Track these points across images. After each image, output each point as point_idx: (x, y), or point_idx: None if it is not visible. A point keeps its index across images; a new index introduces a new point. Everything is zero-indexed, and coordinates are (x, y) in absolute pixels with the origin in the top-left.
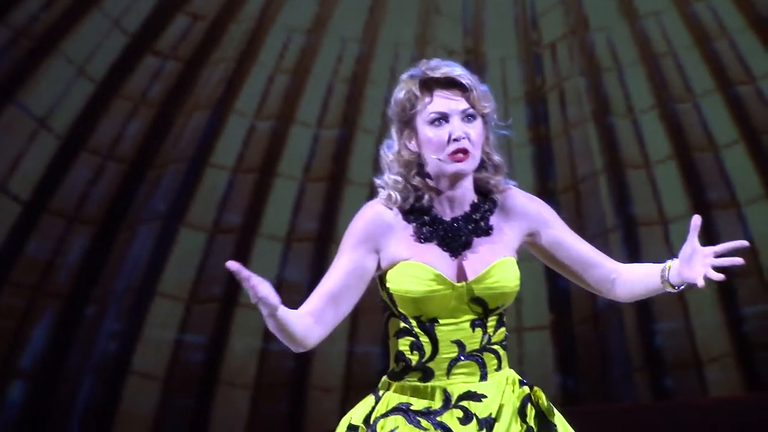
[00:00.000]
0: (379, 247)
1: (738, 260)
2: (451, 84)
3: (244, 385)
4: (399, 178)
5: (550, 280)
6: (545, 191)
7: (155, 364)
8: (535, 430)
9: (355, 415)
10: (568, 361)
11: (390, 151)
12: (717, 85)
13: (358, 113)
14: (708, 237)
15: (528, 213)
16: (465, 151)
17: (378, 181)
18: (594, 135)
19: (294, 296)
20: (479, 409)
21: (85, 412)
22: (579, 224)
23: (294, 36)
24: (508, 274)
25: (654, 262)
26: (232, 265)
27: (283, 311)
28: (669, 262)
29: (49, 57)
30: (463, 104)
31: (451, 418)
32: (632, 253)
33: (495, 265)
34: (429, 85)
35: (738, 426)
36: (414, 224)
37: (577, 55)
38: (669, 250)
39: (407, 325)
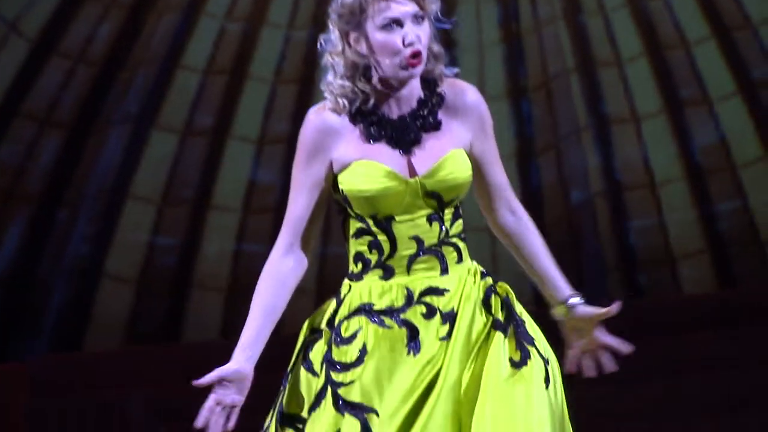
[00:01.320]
0: (330, 154)
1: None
2: None
3: (218, 288)
4: (346, 83)
5: (523, 179)
6: (516, 89)
7: (128, 267)
8: (501, 320)
9: (318, 318)
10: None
11: (333, 53)
12: None
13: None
14: (681, 135)
15: (471, 108)
16: (418, 55)
17: (323, 86)
18: (565, 33)
19: (266, 198)
20: (442, 303)
21: (58, 315)
22: (551, 122)
23: None
24: (459, 165)
25: (627, 163)
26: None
27: (254, 347)
28: (574, 300)
29: None
30: (413, 7)
31: (414, 314)
32: (605, 152)
33: (446, 158)
34: None
35: (712, 322)
36: (361, 125)
37: None
38: (641, 148)
39: (364, 225)
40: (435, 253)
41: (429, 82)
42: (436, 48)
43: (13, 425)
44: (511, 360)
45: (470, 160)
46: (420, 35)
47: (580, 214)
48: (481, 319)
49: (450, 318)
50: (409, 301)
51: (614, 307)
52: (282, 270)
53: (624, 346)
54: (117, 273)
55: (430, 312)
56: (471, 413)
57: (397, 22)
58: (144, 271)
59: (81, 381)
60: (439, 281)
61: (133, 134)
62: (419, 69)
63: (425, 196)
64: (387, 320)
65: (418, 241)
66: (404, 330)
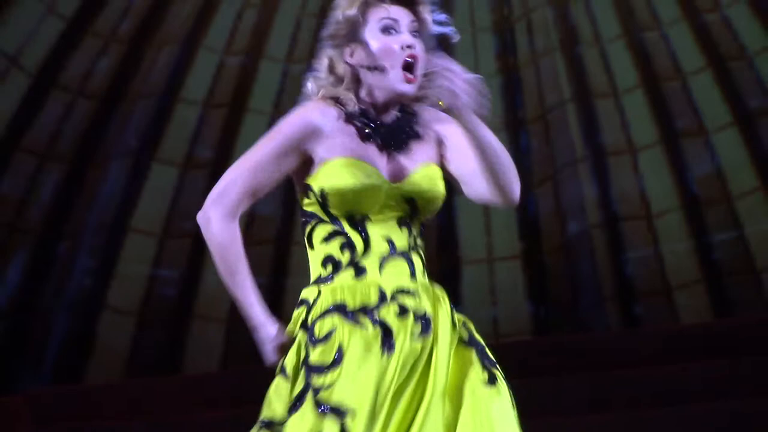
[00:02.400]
0: (309, 152)
1: None
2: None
3: (218, 319)
4: (338, 88)
5: (521, 209)
6: (514, 122)
7: (129, 299)
8: (466, 340)
9: (289, 328)
10: (540, 291)
11: (320, 73)
12: (683, 14)
13: None
14: (677, 166)
15: (435, 120)
16: (413, 68)
17: (313, 88)
18: (562, 64)
19: (265, 230)
20: (413, 304)
21: (60, 347)
22: (548, 154)
23: None
24: (436, 179)
25: (624, 193)
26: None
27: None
28: None
29: None
30: (412, 17)
31: (388, 313)
32: (602, 183)
33: (427, 168)
34: None
35: (707, 350)
36: (354, 125)
37: None
38: (638, 179)
39: (338, 227)
40: (405, 257)
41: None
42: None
43: None
44: (483, 379)
45: (453, 159)
46: (417, 46)
47: (577, 245)
48: (450, 334)
49: (423, 320)
50: (383, 299)
51: None
52: (239, 236)
53: None
54: (118, 305)
55: (403, 311)
56: (455, 420)
57: (394, 27)
58: (145, 302)
59: (82, 412)
60: (409, 284)
61: (134, 167)
62: (412, 89)
63: (401, 199)
64: (362, 318)
65: (390, 242)
66: (378, 329)
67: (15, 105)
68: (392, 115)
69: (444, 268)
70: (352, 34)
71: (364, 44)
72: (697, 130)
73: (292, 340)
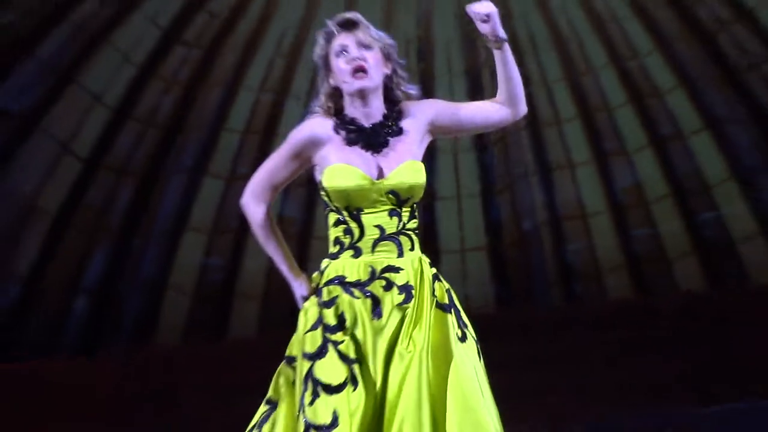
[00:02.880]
0: (313, 153)
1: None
2: (349, 25)
3: (255, 296)
4: (331, 103)
5: (485, 212)
6: (480, 144)
7: (186, 282)
8: (447, 304)
9: (311, 286)
10: (501, 274)
11: (318, 96)
12: (610, 61)
13: None
14: (605, 179)
15: (423, 108)
16: (362, 69)
17: (313, 105)
18: None
19: (290, 228)
20: (398, 279)
21: (134, 319)
22: (507, 169)
23: (288, 31)
24: (416, 172)
25: (565, 204)
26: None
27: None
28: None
29: (100, 47)
30: (355, 37)
31: (375, 287)
32: (548, 191)
33: (406, 164)
34: (334, 29)
35: (630, 322)
36: (343, 133)
37: None
38: (575, 188)
39: (340, 216)
40: (393, 239)
41: (392, 102)
42: (400, 73)
43: (99, 402)
44: (456, 335)
45: (449, 129)
46: (366, 56)
47: (530, 239)
48: (430, 297)
49: (406, 289)
50: (372, 276)
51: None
52: (271, 222)
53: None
54: (178, 286)
55: (389, 285)
56: (436, 371)
57: (345, 49)
58: (198, 284)
59: (150, 368)
60: (396, 261)
61: (189, 181)
62: (365, 83)
63: (387, 194)
64: (356, 291)
65: (381, 229)
66: (369, 300)
67: (99, 132)
68: (376, 117)
69: (427, 256)
70: (326, 63)
71: (331, 67)
72: (620, 151)
73: (313, 290)
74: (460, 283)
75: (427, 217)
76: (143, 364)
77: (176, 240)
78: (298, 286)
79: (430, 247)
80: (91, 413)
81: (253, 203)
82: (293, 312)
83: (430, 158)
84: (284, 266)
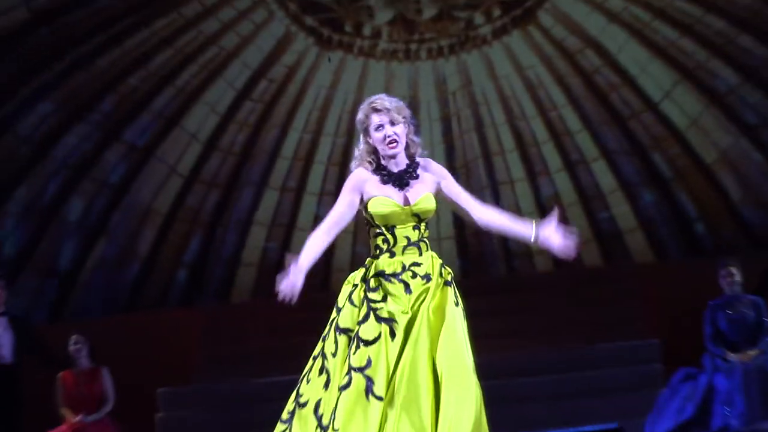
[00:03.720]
0: (362, 191)
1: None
2: (382, 109)
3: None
4: (369, 157)
5: (455, 219)
6: (451, 167)
7: (253, 259)
8: (449, 281)
9: (353, 278)
10: (464, 253)
11: (360, 146)
12: (538, 112)
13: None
14: (534, 190)
15: (435, 172)
16: (394, 142)
17: (356, 155)
18: (475, 138)
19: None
20: (420, 270)
21: (217, 285)
22: (468, 183)
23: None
24: (430, 201)
25: (507, 208)
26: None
27: (303, 266)
28: (533, 227)
29: (195, 103)
30: (389, 117)
31: (406, 276)
32: (496, 199)
33: (425, 196)
34: (372, 110)
35: (550, 286)
36: (379, 176)
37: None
38: (515, 197)
39: (380, 230)
40: (416, 245)
41: (411, 157)
42: (416, 140)
43: (195, 338)
44: (453, 301)
45: (443, 196)
46: (396, 132)
47: (484, 231)
48: (440, 280)
49: (425, 277)
50: (403, 269)
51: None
52: (323, 239)
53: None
54: (247, 262)
55: (414, 275)
56: (440, 326)
57: (381, 126)
58: (261, 261)
59: (228, 319)
60: (418, 259)
61: (256, 191)
62: (396, 150)
63: (412, 215)
64: (393, 280)
65: (408, 238)
66: (402, 285)
67: (195, 158)
68: (401, 167)
69: None
70: (366, 130)
71: (370, 136)
72: (545, 171)
73: (355, 278)
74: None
75: None
76: (224, 314)
77: (246, 230)
78: (295, 273)
79: None
80: (189, 345)
81: (319, 233)
82: (323, 282)
83: None
84: (305, 261)
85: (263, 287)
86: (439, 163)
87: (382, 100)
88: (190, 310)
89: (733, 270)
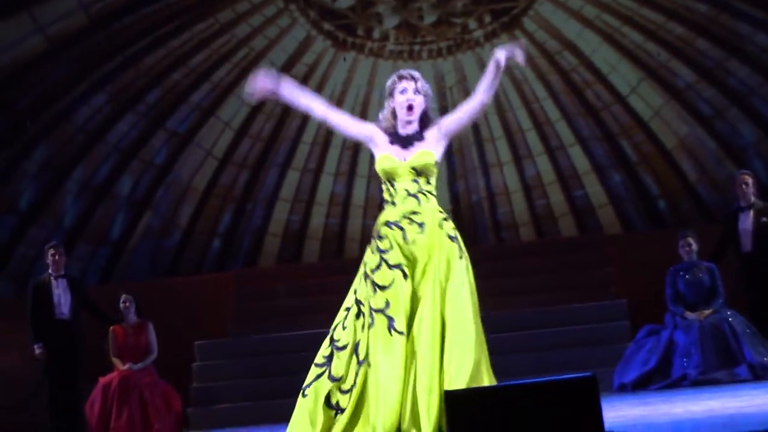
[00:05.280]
0: (372, 138)
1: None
2: (413, 77)
3: (316, 238)
4: (389, 118)
5: (450, 190)
6: (449, 151)
7: (278, 229)
8: (453, 236)
9: (377, 224)
10: (459, 226)
11: (383, 111)
12: (522, 104)
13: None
14: (520, 171)
15: (435, 124)
16: (411, 108)
17: (379, 116)
18: (470, 129)
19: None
20: (417, 218)
21: (246, 252)
22: (463, 165)
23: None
24: (426, 156)
25: (496, 186)
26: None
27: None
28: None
29: (229, 95)
30: (414, 85)
31: (404, 224)
32: (486, 178)
33: (420, 152)
34: (402, 77)
35: (531, 254)
36: (389, 137)
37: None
38: (503, 177)
39: (385, 185)
40: (415, 196)
41: (424, 122)
42: (431, 117)
43: (227, 294)
44: (457, 255)
45: (454, 128)
46: (416, 99)
47: (476, 207)
48: (438, 231)
49: (420, 225)
50: (402, 217)
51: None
52: (319, 108)
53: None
54: (273, 232)
55: (411, 222)
56: (445, 272)
57: (405, 90)
58: (284, 231)
59: (257, 280)
60: (416, 208)
61: (281, 171)
62: (412, 116)
63: (411, 170)
64: (393, 227)
65: (407, 191)
66: (400, 231)
67: (228, 143)
68: (410, 131)
69: None
70: (391, 94)
71: (394, 98)
72: (528, 155)
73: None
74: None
75: None
76: (252, 277)
77: (272, 205)
78: (272, 79)
79: None
80: (222, 304)
81: (319, 102)
82: (338, 250)
83: None
84: (288, 84)
85: (286, 254)
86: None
87: (412, 71)
88: (223, 274)
89: (691, 240)
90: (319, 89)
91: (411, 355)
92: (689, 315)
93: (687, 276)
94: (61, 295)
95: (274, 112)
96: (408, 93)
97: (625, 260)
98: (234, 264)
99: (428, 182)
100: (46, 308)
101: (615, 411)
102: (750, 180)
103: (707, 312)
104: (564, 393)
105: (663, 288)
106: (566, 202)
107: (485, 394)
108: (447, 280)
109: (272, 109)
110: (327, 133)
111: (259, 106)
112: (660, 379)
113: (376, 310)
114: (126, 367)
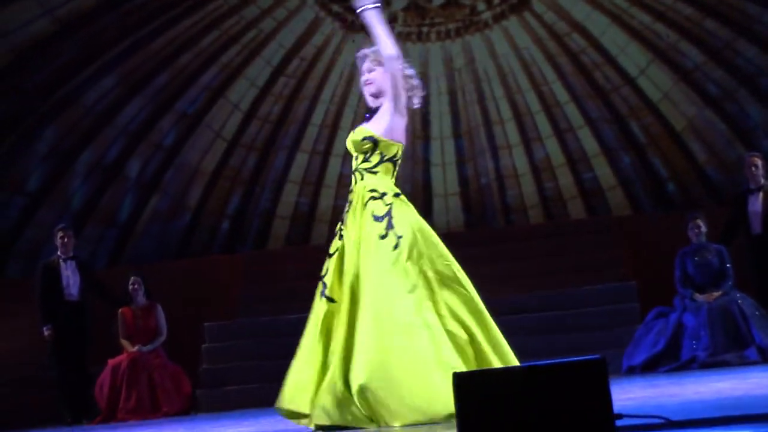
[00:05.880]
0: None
1: None
2: (362, 56)
3: (326, 221)
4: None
5: (459, 172)
6: (456, 134)
7: (287, 213)
8: (382, 216)
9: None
10: (468, 207)
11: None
12: (531, 86)
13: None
14: (529, 153)
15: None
16: (368, 83)
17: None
18: (478, 110)
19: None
20: (351, 196)
21: (255, 233)
22: (472, 149)
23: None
24: (359, 133)
25: (505, 168)
26: None
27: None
28: None
29: (236, 80)
30: (366, 65)
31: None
32: (495, 161)
33: (358, 129)
34: (356, 59)
35: (540, 236)
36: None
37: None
38: (512, 159)
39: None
40: (353, 174)
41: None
42: (405, 74)
43: (238, 273)
44: (379, 234)
45: (389, 84)
46: (369, 77)
47: (485, 189)
48: (363, 210)
49: (349, 203)
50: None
51: None
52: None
53: None
54: (281, 215)
55: (349, 201)
56: (362, 251)
57: (362, 73)
58: (293, 213)
59: (265, 261)
60: (353, 186)
61: (289, 153)
62: (371, 89)
63: (350, 146)
64: (348, 202)
65: (352, 167)
66: (348, 206)
67: (237, 125)
68: (377, 106)
69: (425, 199)
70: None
71: None
72: (537, 138)
73: None
74: (445, 214)
75: (425, 176)
76: (260, 259)
77: (281, 187)
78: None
79: (427, 192)
80: (231, 286)
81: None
82: None
83: (426, 141)
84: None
85: (295, 236)
86: (445, 130)
87: (362, 50)
88: (231, 256)
89: (700, 222)
90: (327, 70)
91: (332, 328)
92: (698, 297)
93: (696, 258)
94: (70, 277)
95: (282, 94)
96: (364, 74)
97: (635, 243)
98: (243, 246)
99: (366, 160)
100: (55, 290)
101: (624, 393)
102: (759, 162)
103: (716, 294)
104: (573, 375)
105: (672, 270)
106: (575, 184)
107: (493, 375)
108: (357, 266)
109: (280, 90)
110: (335, 116)
111: (267, 89)
112: (669, 361)
113: (319, 277)
114: (135, 349)
